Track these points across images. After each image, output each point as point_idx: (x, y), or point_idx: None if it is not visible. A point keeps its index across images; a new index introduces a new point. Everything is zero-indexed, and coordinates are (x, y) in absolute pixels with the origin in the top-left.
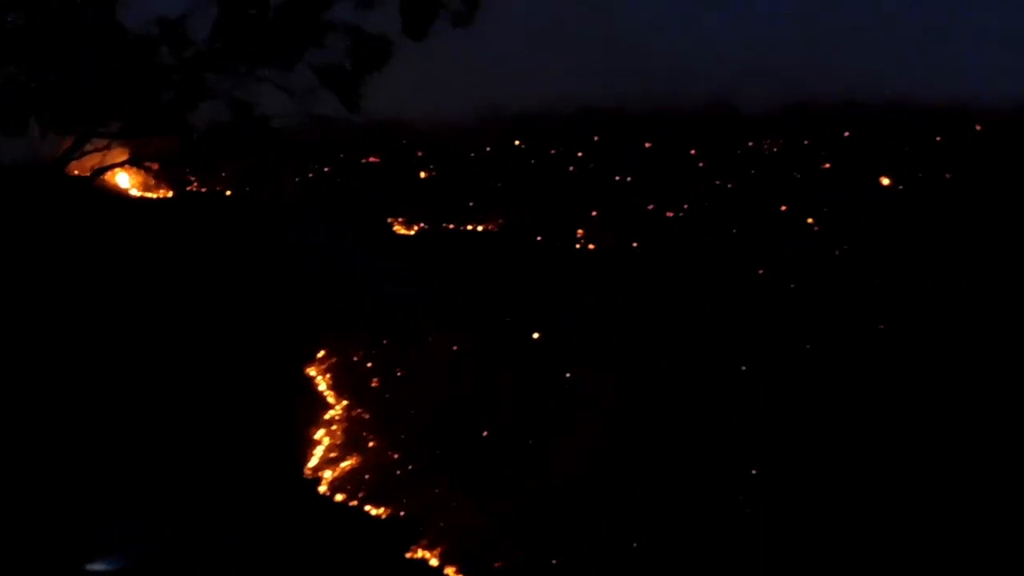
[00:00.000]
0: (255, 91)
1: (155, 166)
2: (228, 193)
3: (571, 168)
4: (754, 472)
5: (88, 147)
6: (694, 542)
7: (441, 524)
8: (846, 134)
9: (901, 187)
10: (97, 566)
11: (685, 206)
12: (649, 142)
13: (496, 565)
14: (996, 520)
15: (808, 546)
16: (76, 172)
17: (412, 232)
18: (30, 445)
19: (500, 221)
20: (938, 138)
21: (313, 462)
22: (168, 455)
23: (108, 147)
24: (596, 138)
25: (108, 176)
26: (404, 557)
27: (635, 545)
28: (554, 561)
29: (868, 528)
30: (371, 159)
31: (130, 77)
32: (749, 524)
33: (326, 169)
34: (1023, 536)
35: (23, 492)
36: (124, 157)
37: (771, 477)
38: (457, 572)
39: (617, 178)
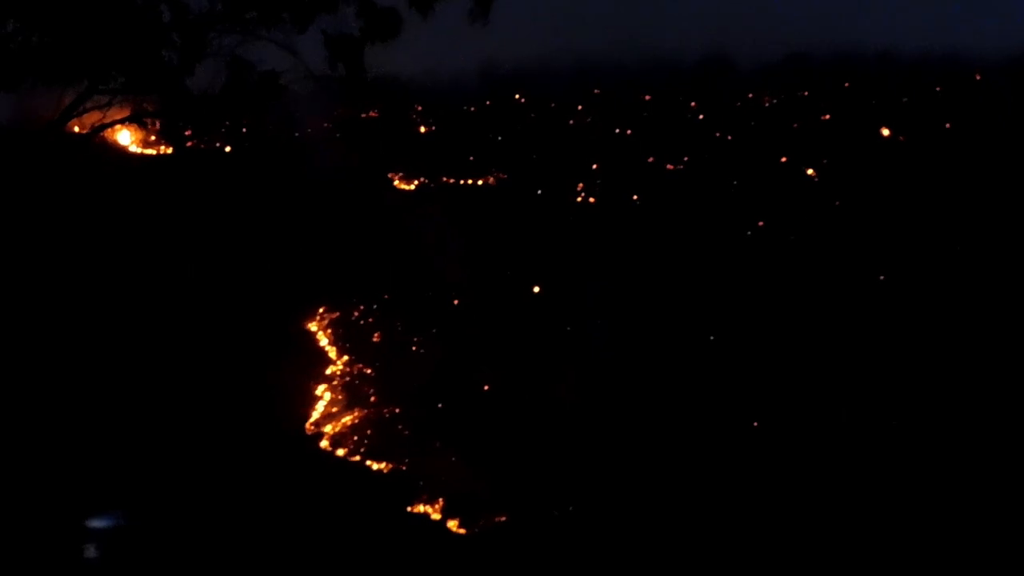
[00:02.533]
0: (257, 50)
1: (156, 123)
2: (228, 149)
3: (570, 121)
4: (753, 431)
5: (89, 104)
6: (688, 495)
7: (442, 478)
8: (845, 85)
9: (901, 137)
10: (97, 523)
11: (685, 158)
12: (648, 95)
13: (497, 519)
14: (994, 516)
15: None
16: (77, 129)
17: (412, 187)
18: (32, 401)
19: (500, 175)
20: (937, 88)
21: (314, 417)
22: (169, 412)
23: (109, 104)
24: (595, 91)
25: (109, 133)
26: (406, 511)
27: (634, 495)
28: (555, 513)
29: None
30: (371, 114)
31: (131, 34)
32: (745, 483)
33: (326, 124)
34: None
35: (25, 450)
36: (125, 114)
37: (771, 435)
38: (459, 526)
39: (616, 131)
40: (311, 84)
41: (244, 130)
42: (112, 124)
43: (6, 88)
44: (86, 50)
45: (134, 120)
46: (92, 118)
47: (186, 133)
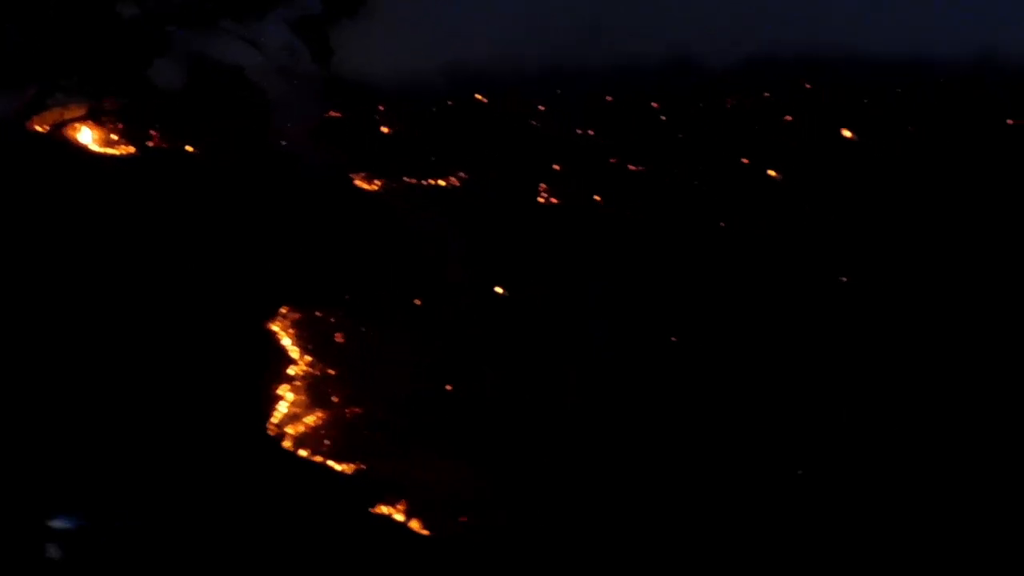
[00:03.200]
0: (221, 46)
1: (117, 121)
2: (190, 149)
3: (533, 122)
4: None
5: (49, 102)
6: (666, 495)
7: (406, 480)
8: (807, 87)
9: (863, 140)
10: (58, 523)
11: (647, 160)
12: (610, 96)
13: (462, 520)
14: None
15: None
16: (37, 127)
17: (374, 187)
18: None
19: (462, 175)
20: (899, 90)
21: (276, 418)
22: (128, 412)
23: (69, 102)
24: (558, 91)
25: (70, 132)
26: (369, 513)
27: (603, 496)
28: (521, 515)
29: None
30: (333, 114)
31: (91, 30)
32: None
33: (288, 125)
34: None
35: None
36: (83, 112)
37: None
38: (422, 528)
39: (579, 132)
40: (275, 78)
41: (206, 130)
42: (72, 121)
43: None
44: (43, 47)
45: (93, 117)
46: (52, 116)
47: (150, 133)
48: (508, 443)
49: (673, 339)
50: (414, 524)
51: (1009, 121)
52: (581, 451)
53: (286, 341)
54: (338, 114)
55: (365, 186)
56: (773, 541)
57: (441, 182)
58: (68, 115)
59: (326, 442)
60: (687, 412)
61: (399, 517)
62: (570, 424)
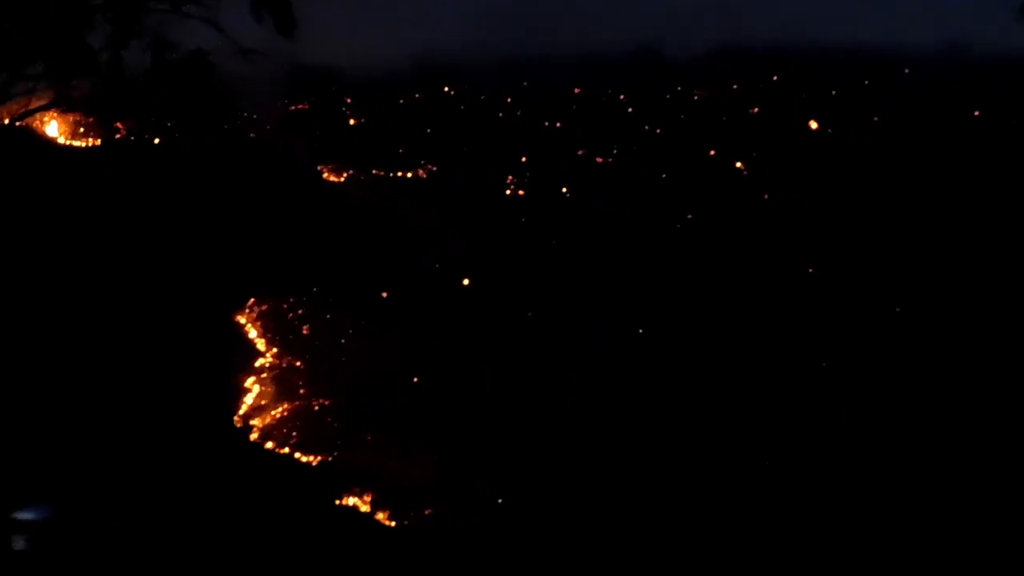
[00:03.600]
0: (182, 29)
1: (82, 110)
2: (156, 141)
3: (500, 114)
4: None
5: (13, 90)
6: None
7: (372, 471)
8: (774, 79)
9: (829, 131)
10: (25, 515)
11: (614, 151)
12: (578, 88)
13: (426, 512)
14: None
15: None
16: (2, 118)
17: (342, 179)
18: None
19: (430, 167)
20: (865, 82)
21: (243, 410)
22: (94, 405)
23: (32, 91)
24: (525, 83)
25: (37, 125)
26: (335, 504)
27: (570, 485)
28: (490, 503)
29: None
30: (300, 106)
31: (53, 16)
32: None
33: (255, 116)
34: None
35: None
36: (48, 100)
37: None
38: (388, 518)
39: (546, 124)
40: (240, 63)
41: (171, 118)
42: (36, 111)
43: None
44: (6, 35)
45: (58, 106)
46: (16, 106)
47: (115, 123)
48: (474, 437)
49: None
50: (380, 515)
51: (976, 112)
52: (559, 442)
53: (253, 333)
54: (306, 106)
55: (333, 178)
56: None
57: (409, 174)
58: (33, 104)
59: (293, 434)
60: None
61: (365, 508)
62: (539, 412)
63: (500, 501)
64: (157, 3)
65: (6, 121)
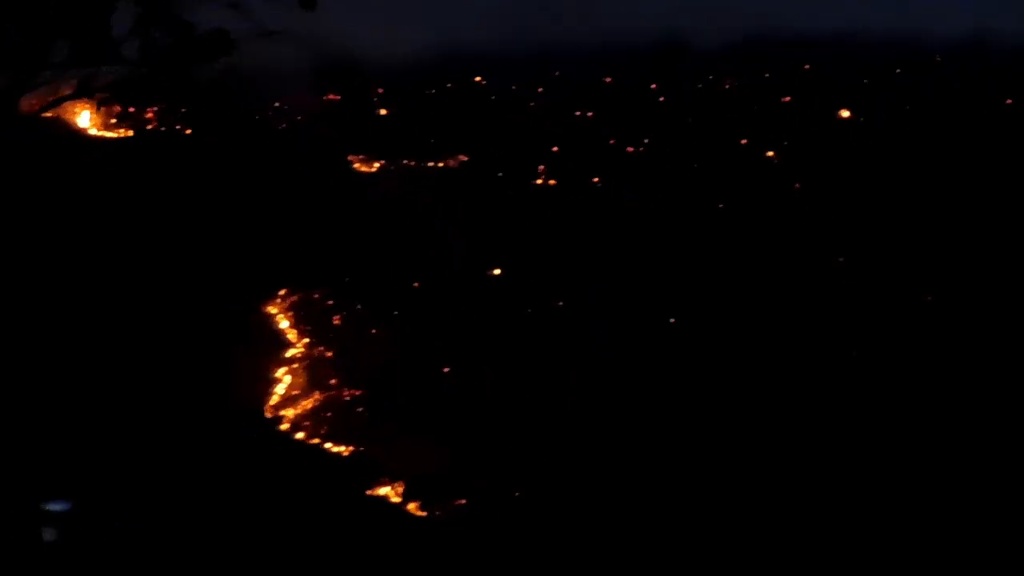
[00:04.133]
0: (205, 16)
1: (108, 98)
2: (188, 132)
3: (531, 104)
4: (719, 410)
5: (37, 81)
6: (652, 476)
7: (402, 462)
8: (805, 67)
9: (861, 119)
10: (54, 506)
11: (645, 141)
12: (609, 77)
13: (457, 503)
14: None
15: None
16: (31, 108)
17: (372, 169)
18: None
19: (461, 157)
20: (897, 70)
21: (274, 400)
22: (127, 396)
23: (57, 80)
24: (556, 73)
25: (69, 116)
26: (365, 495)
27: (595, 479)
28: (516, 494)
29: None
30: (331, 96)
31: (79, 5)
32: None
33: (286, 107)
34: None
35: None
36: (73, 89)
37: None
38: (419, 509)
39: (577, 113)
40: (269, 53)
41: (202, 112)
42: (62, 100)
43: None
44: (32, 22)
45: (83, 95)
46: (40, 95)
47: (147, 115)
48: (506, 428)
49: (671, 327)
50: (411, 506)
51: (1008, 100)
52: (580, 440)
53: (284, 323)
54: (336, 96)
55: (363, 168)
56: (771, 539)
57: (440, 164)
58: (57, 95)
59: (323, 424)
60: (687, 408)
61: (396, 499)
62: (568, 411)
63: (525, 494)
64: None
65: (31, 109)
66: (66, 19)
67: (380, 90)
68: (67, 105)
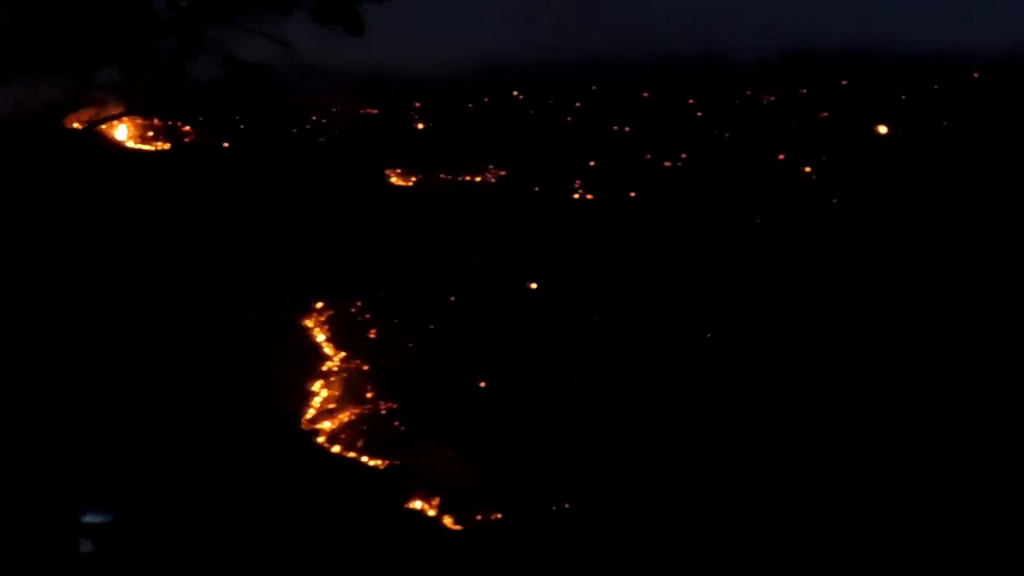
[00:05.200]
0: (248, 44)
1: (153, 119)
2: (226, 145)
3: (569, 119)
4: (753, 425)
5: (84, 100)
6: (689, 493)
7: (438, 475)
8: (843, 82)
9: (899, 135)
10: (91, 518)
11: (683, 156)
12: (647, 92)
13: (493, 517)
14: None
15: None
16: (75, 125)
17: (409, 183)
18: (27, 396)
19: (498, 172)
20: (935, 86)
21: (310, 414)
22: (165, 408)
23: (104, 99)
24: (593, 88)
25: (106, 129)
26: (401, 507)
27: (630, 494)
28: (554, 508)
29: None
30: (368, 110)
31: (126, 28)
32: (734, 478)
33: (323, 120)
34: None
35: (19, 445)
36: (120, 110)
37: (771, 424)
38: (454, 523)
39: (615, 128)
40: (304, 75)
41: (241, 126)
42: (108, 119)
43: (1, 82)
44: (79, 43)
45: (129, 115)
46: (88, 114)
47: (184, 129)
48: (542, 441)
49: (708, 335)
50: (447, 519)
51: None
52: (617, 454)
53: (320, 336)
54: (373, 110)
55: (400, 182)
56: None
57: (477, 178)
58: (103, 113)
59: (359, 437)
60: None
61: (432, 512)
62: (599, 425)
63: (565, 506)
64: (224, 15)
65: (74, 126)
66: (113, 44)
67: (417, 104)
68: (104, 117)
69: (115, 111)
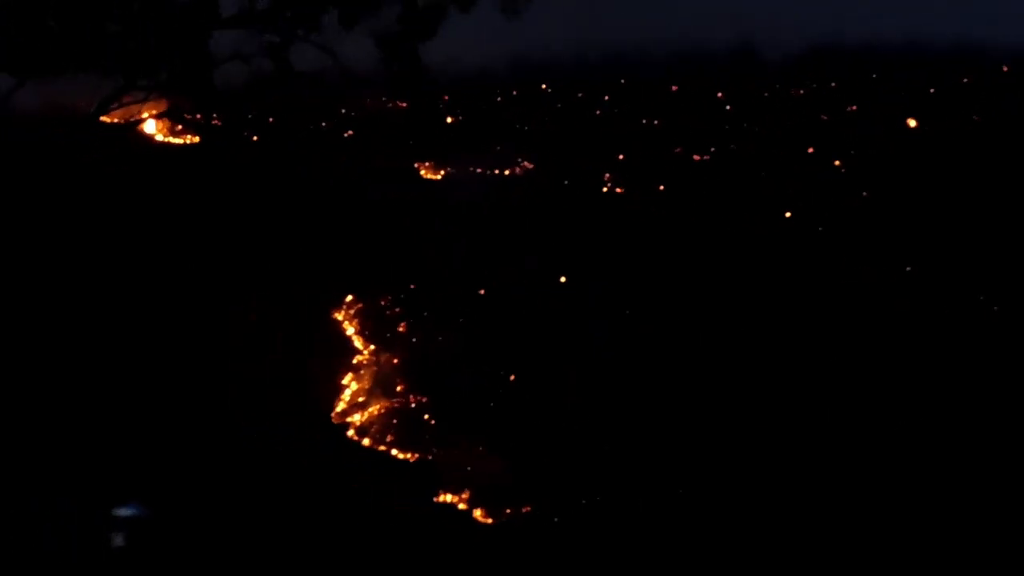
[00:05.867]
0: (296, 50)
1: (189, 121)
2: (255, 139)
3: (597, 112)
4: (774, 423)
5: (126, 99)
6: (708, 489)
7: (469, 468)
8: (872, 76)
9: (928, 129)
10: (123, 511)
11: (712, 149)
12: (675, 85)
13: (524, 510)
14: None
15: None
16: (111, 121)
17: (439, 176)
18: (59, 390)
19: (527, 165)
20: (964, 80)
21: (340, 407)
22: (196, 401)
23: (146, 99)
24: (622, 81)
25: (142, 128)
26: (432, 501)
27: (657, 489)
28: (583, 501)
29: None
30: (399, 104)
31: (171, 32)
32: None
33: (354, 114)
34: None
35: (51, 439)
36: (161, 109)
37: (790, 423)
38: (484, 516)
39: (644, 122)
40: (348, 81)
41: (271, 120)
42: (147, 118)
43: (51, 73)
44: (129, 44)
45: (170, 116)
46: (129, 111)
47: (214, 123)
48: (573, 436)
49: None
50: (477, 513)
51: None
52: (645, 447)
53: (350, 330)
54: (403, 104)
55: (430, 175)
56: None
57: (507, 171)
58: (143, 112)
59: (389, 431)
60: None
61: (462, 506)
62: (635, 420)
63: (596, 499)
64: (271, 24)
65: (111, 122)
66: (160, 49)
67: (446, 97)
68: (135, 111)
69: (155, 111)
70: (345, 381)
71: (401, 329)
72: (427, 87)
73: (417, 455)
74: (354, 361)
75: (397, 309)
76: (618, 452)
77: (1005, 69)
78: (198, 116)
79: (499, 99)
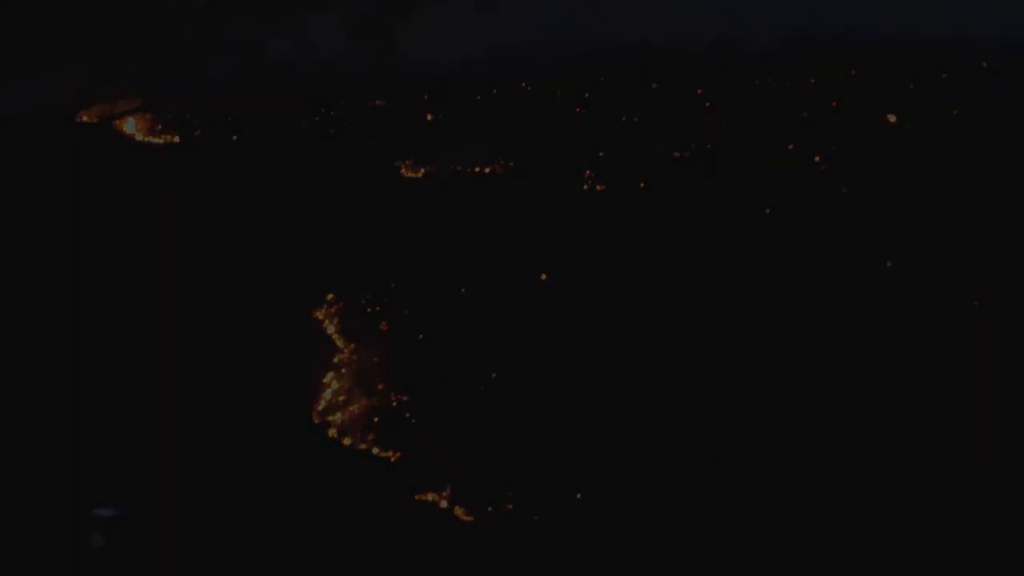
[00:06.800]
0: (274, 43)
1: (166, 115)
2: (235, 138)
3: (577, 109)
4: (765, 416)
5: (100, 94)
6: (696, 489)
7: (451, 466)
8: (852, 72)
9: (908, 125)
10: (103, 511)
11: (692, 146)
12: (655, 82)
13: (507, 507)
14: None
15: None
16: (86, 119)
17: (419, 175)
18: (34, 392)
19: (506, 163)
20: (944, 75)
21: (321, 405)
22: (173, 401)
23: (120, 95)
24: (601, 79)
25: (117, 123)
26: (413, 499)
27: (643, 488)
28: (576, 497)
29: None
30: (377, 101)
31: (144, 25)
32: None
33: (332, 112)
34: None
35: (28, 439)
36: (136, 105)
37: (781, 412)
38: (467, 514)
39: (623, 119)
40: (324, 71)
41: (250, 119)
42: (123, 114)
43: (24, 73)
44: (98, 39)
45: (145, 110)
46: (103, 108)
47: (193, 122)
48: (556, 434)
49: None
50: (458, 510)
51: None
52: (625, 444)
53: (331, 329)
54: (382, 103)
55: (410, 174)
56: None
57: (486, 169)
58: (118, 108)
59: (370, 429)
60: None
61: (444, 504)
62: (614, 417)
63: (575, 499)
64: (247, 17)
65: (87, 120)
66: (133, 42)
67: (426, 95)
68: (120, 112)
69: (130, 107)
70: (326, 380)
71: (382, 327)
72: (405, 77)
73: (398, 453)
74: (335, 360)
75: (378, 308)
76: (602, 450)
77: (984, 65)
78: (179, 113)
79: (478, 96)
